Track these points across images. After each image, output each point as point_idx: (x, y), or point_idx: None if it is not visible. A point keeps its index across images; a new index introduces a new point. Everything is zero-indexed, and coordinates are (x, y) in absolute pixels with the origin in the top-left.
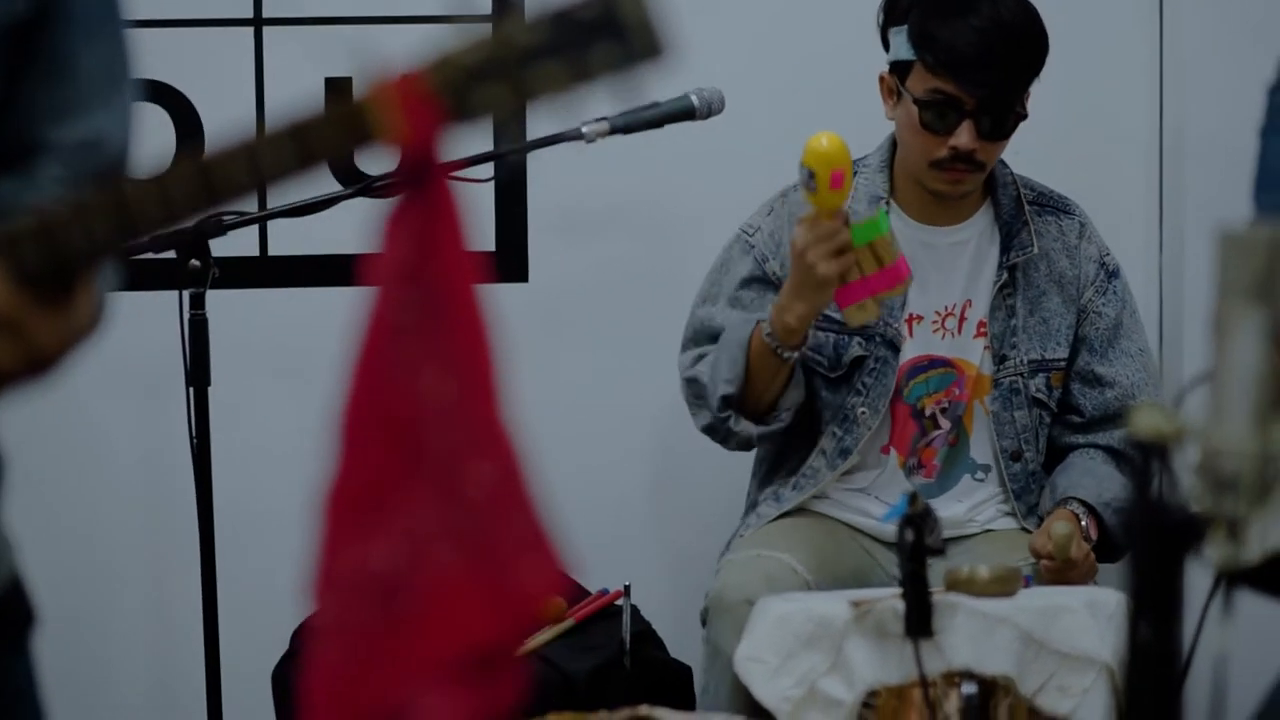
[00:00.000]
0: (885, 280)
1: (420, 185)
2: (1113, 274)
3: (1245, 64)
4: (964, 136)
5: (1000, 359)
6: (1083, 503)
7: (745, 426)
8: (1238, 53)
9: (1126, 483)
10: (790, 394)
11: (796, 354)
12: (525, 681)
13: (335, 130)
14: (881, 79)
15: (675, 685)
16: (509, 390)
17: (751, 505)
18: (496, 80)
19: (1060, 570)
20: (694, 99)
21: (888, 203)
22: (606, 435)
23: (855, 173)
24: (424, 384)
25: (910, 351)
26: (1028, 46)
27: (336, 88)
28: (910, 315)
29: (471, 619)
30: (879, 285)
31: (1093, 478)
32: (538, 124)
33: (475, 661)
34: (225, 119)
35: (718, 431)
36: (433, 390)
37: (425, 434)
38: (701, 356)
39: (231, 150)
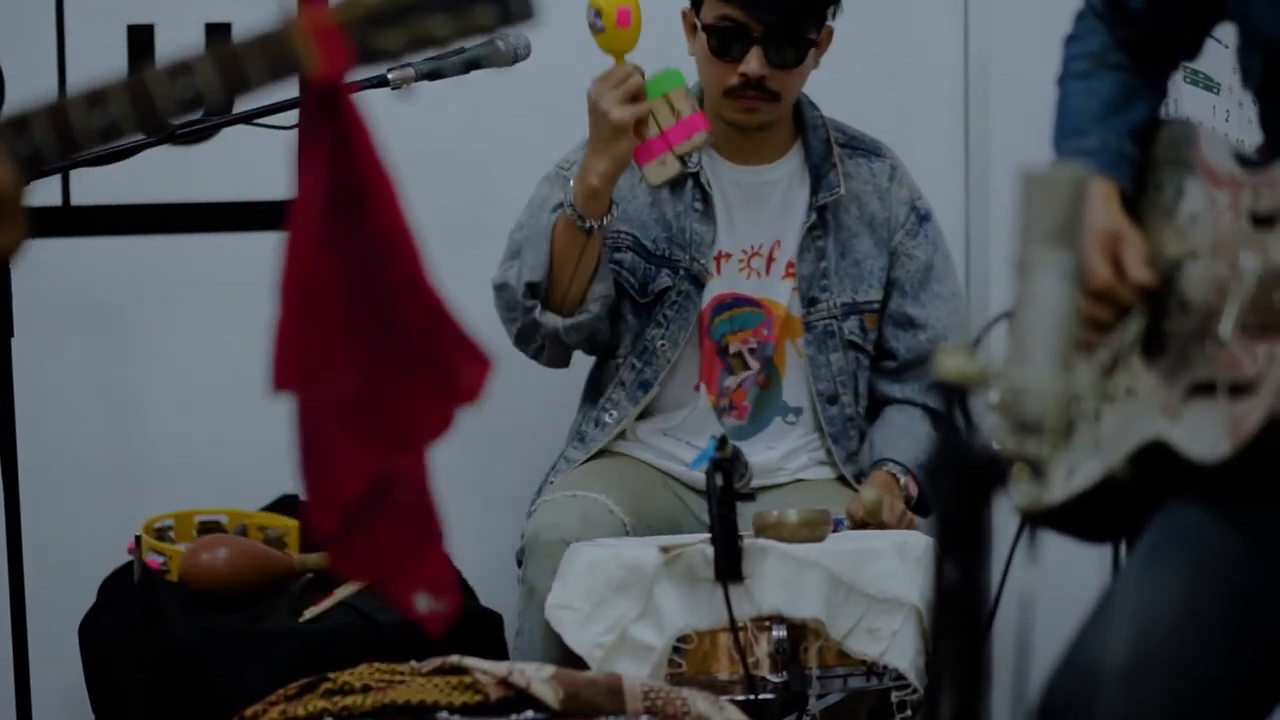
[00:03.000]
0: (682, 131)
1: (332, 111)
2: (924, 217)
3: (1048, 9)
4: (753, 63)
5: (810, 301)
6: (900, 463)
7: (551, 318)
8: None
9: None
10: (597, 285)
11: (600, 224)
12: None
13: (260, 58)
14: (683, 15)
15: (486, 633)
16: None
17: (562, 452)
18: (394, 25)
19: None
20: (499, 44)
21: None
22: None
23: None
24: (355, 257)
25: (716, 289)
26: None
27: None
28: (718, 253)
29: (429, 410)
30: (677, 137)
31: (909, 438)
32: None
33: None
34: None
35: (527, 338)
36: (362, 261)
37: (363, 289)
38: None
39: (162, 73)
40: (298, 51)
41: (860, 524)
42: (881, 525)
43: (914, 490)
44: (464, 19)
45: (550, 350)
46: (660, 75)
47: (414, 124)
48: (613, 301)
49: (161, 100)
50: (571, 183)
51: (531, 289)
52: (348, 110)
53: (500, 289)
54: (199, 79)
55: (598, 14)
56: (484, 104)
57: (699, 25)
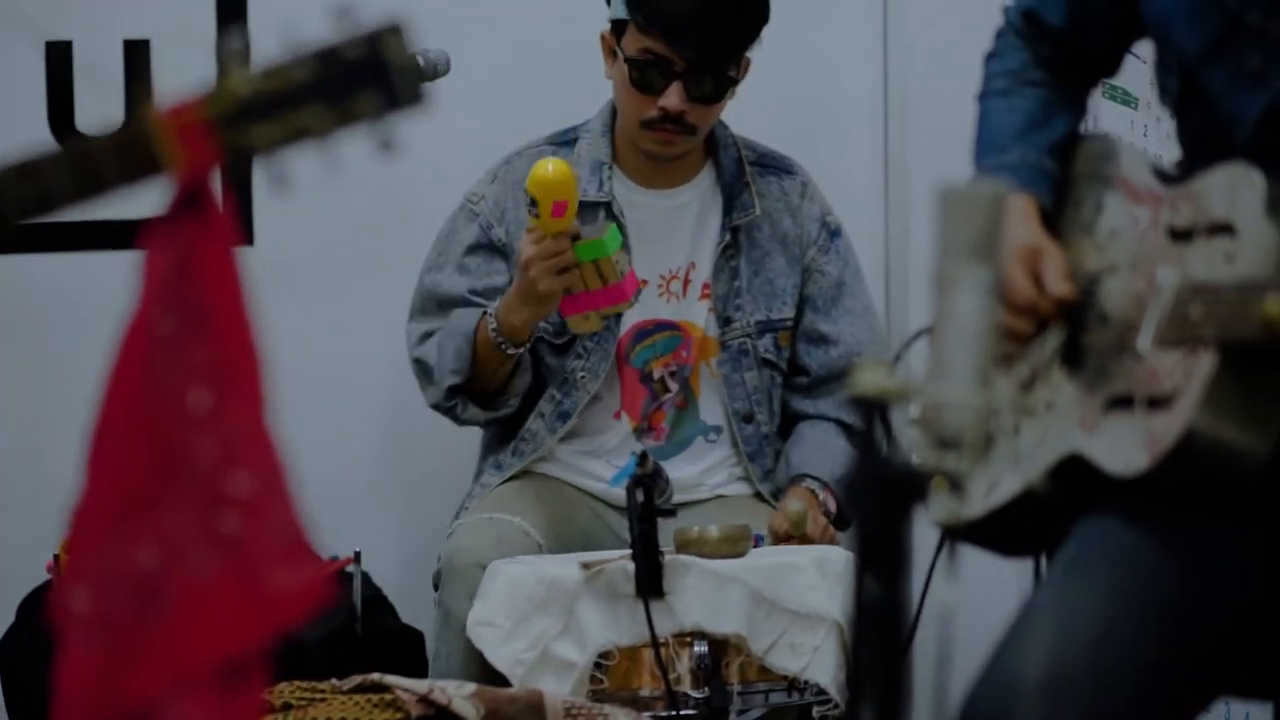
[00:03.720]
0: (608, 298)
1: (190, 209)
2: (835, 233)
3: (967, 26)
4: (673, 98)
5: (725, 320)
6: (817, 478)
7: (473, 413)
8: (959, 15)
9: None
10: (517, 380)
11: (522, 349)
12: (262, 702)
13: (116, 158)
14: (602, 38)
15: (407, 651)
16: (272, 400)
17: (477, 473)
18: (265, 118)
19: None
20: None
21: (610, 168)
22: (336, 400)
23: (573, 141)
24: (186, 392)
25: (636, 315)
26: (742, 12)
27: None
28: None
29: (226, 624)
30: (602, 301)
31: (825, 453)
32: None
33: (227, 666)
34: None
35: (444, 412)
36: (194, 399)
37: (185, 441)
38: (429, 334)
39: (10, 172)
40: (157, 151)
41: (784, 538)
42: (805, 538)
43: (832, 505)
44: (344, 109)
45: (469, 424)
46: (592, 242)
47: None
48: (531, 378)
49: (7, 201)
50: (490, 311)
51: (453, 390)
52: (209, 218)
53: (417, 362)
54: (51, 180)
55: (534, 203)
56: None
57: (619, 53)
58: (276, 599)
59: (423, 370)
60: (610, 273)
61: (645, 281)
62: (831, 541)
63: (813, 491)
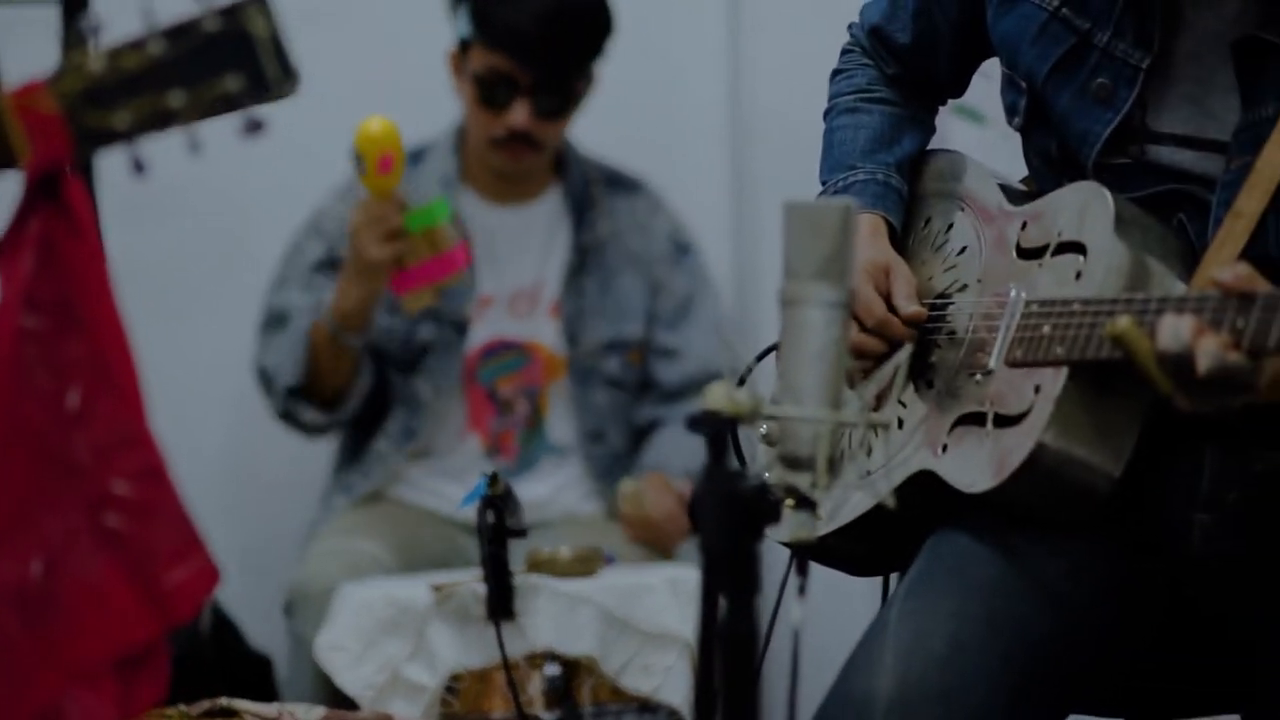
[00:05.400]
0: (441, 268)
1: (47, 199)
2: (684, 250)
3: (816, 41)
4: (520, 115)
5: (574, 339)
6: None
7: (313, 416)
8: (809, 30)
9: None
10: (358, 382)
11: (359, 340)
12: (167, 681)
13: None
14: (451, 57)
15: (256, 676)
16: (148, 394)
17: (327, 495)
18: (121, 101)
19: (646, 529)
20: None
21: (458, 185)
22: (181, 421)
23: (421, 158)
24: (61, 391)
25: (483, 334)
26: (587, 27)
27: None
28: (481, 298)
29: (120, 621)
30: (436, 273)
31: (679, 451)
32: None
33: (123, 662)
34: None
35: (288, 420)
36: (70, 398)
37: (65, 441)
38: (273, 345)
39: None
40: (5, 138)
41: (634, 525)
42: (647, 520)
43: (684, 489)
44: (207, 91)
45: (313, 433)
46: (422, 210)
47: (173, 160)
48: (373, 382)
49: None
50: (326, 294)
51: (292, 392)
52: (66, 206)
53: (260, 372)
54: None
55: (360, 158)
56: (244, 140)
57: (466, 70)
58: (169, 593)
59: (264, 378)
60: (442, 240)
61: (470, 256)
62: (680, 529)
63: (665, 477)
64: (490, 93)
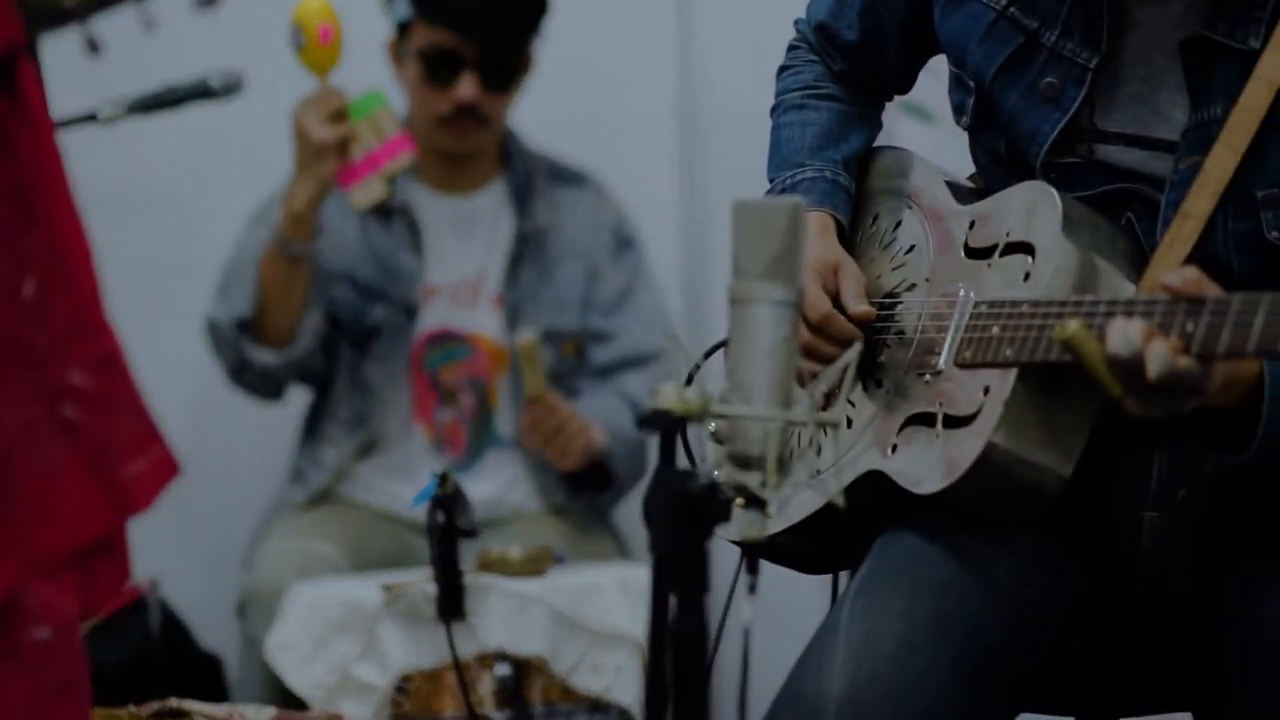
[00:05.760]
0: (387, 153)
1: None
2: (626, 243)
3: (763, 41)
4: (467, 88)
5: (514, 330)
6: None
7: (263, 354)
8: (759, 24)
9: (632, 416)
10: (307, 316)
11: (307, 248)
12: (128, 570)
13: None
14: (390, 46)
15: (206, 676)
16: (104, 284)
17: (281, 493)
18: None
19: (539, 418)
20: (211, 81)
21: (407, 173)
22: None
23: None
24: (18, 281)
25: (429, 323)
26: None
27: None
28: (428, 287)
29: (79, 512)
30: (383, 158)
31: (604, 407)
32: (52, 104)
33: (83, 553)
34: None
35: (241, 372)
36: (27, 288)
37: (22, 331)
38: (221, 301)
39: None
40: None
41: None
42: (540, 400)
43: (601, 442)
44: None
45: (265, 385)
46: (364, 97)
47: (121, 160)
48: (325, 333)
49: None
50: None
51: (241, 325)
52: (20, 95)
53: (211, 327)
54: None
55: (299, 31)
56: (193, 140)
57: (409, 52)
58: (127, 484)
59: (215, 335)
60: (387, 124)
61: (415, 144)
62: (578, 432)
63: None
64: (436, 69)
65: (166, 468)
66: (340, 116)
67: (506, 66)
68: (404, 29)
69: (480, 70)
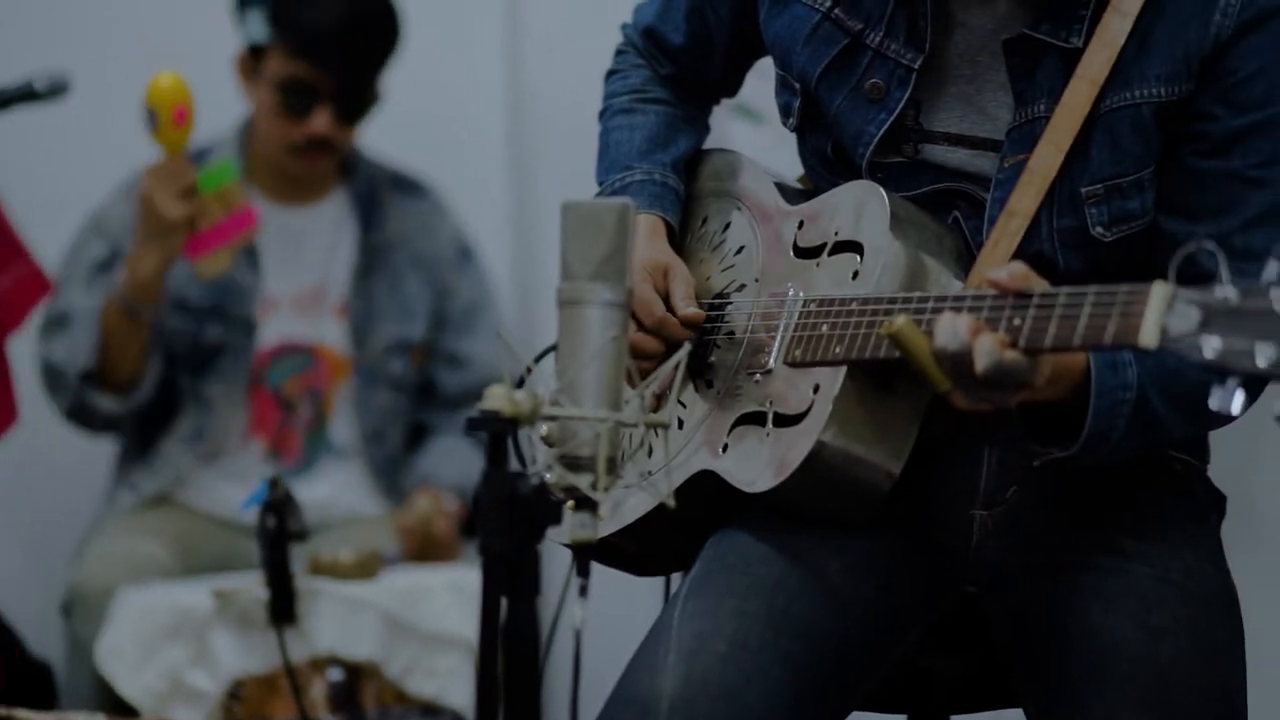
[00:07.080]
0: (234, 227)
1: None
2: (466, 255)
3: (591, 46)
4: (321, 121)
5: (361, 341)
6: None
7: (107, 404)
8: (588, 30)
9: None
10: (150, 366)
11: (152, 313)
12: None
13: None
14: (240, 61)
15: (35, 683)
16: None
17: (110, 493)
18: None
19: (424, 545)
20: (35, 83)
21: (245, 183)
22: None
23: (205, 158)
24: None
25: (270, 335)
26: (383, 32)
27: None
28: (267, 300)
29: None
30: (231, 231)
31: (450, 458)
32: None
33: None
34: None
35: (80, 414)
36: None
37: None
38: (59, 341)
39: None
40: None
41: (413, 535)
42: (430, 537)
43: (454, 508)
44: None
45: (104, 425)
46: (213, 169)
47: None
48: (162, 375)
49: None
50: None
51: (85, 378)
52: None
53: (50, 371)
54: None
55: (153, 115)
56: (20, 142)
57: (263, 77)
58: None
59: (51, 375)
60: (233, 198)
61: (257, 218)
62: (451, 545)
63: (435, 494)
64: (292, 100)
65: (36, 283)
66: (190, 192)
67: (360, 100)
68: (256, 49)
69: (335, 103)
